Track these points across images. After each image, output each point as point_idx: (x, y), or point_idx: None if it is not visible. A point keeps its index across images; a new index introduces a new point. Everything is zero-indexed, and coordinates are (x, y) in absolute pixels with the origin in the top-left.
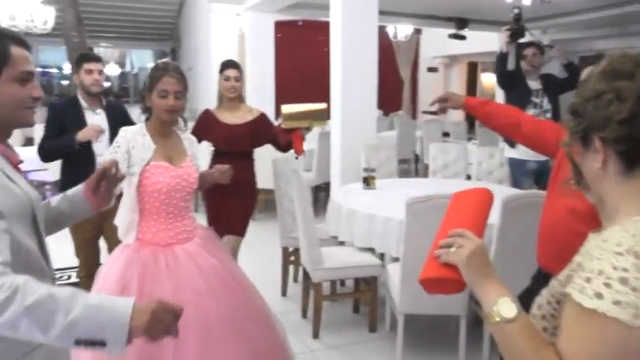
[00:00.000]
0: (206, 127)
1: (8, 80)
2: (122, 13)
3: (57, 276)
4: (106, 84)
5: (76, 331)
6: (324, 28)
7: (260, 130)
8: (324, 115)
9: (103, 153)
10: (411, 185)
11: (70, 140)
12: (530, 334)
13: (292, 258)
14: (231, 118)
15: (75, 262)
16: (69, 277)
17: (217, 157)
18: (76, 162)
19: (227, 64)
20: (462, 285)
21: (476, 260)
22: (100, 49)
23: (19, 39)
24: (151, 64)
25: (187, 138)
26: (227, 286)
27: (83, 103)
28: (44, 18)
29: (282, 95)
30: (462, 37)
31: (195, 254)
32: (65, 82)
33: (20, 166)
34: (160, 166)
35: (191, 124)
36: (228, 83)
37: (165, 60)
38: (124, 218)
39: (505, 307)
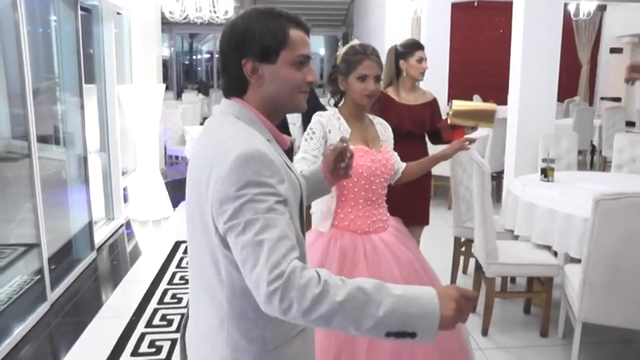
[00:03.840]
0: (387, 108)
1: (285, 63)
2: (296, 1)
3: None
4: None
5: (388, 323)
6: (500, 9)
7: (435, 114)
8: (491, 118)
9: (298, 137)
10: (594, 179)
11: None
12: None
13: (463, 249)
14: (409, 98)
15: None
16: None
17: (401, 140)
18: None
19: (419, 46)
20: None
21: None
22: None
23: (299, 21)
24: (322, 50)
25: (380, 123)
26: (422, 281)
27: None
28: (225, 8)
29: (456, 81)
30: None
31: (392, 244)
32: None
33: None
34: (361, 150)
35: None
36: (422, 65)
37: (361, 43)
38: (322, 205)
39: None
